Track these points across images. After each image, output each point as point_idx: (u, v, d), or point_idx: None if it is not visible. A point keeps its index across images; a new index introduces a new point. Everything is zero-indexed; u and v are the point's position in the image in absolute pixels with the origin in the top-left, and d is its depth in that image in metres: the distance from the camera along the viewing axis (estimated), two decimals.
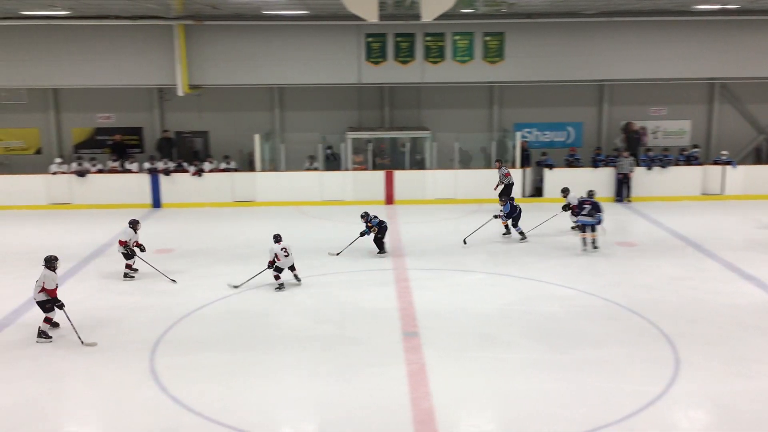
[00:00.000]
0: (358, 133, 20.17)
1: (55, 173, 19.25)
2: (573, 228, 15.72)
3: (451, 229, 16.25)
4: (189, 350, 9.43)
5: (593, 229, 14.14)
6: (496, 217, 15.31)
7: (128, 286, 12.24)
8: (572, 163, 20.14)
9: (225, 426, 7.36)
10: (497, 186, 17.81)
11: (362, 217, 14.07)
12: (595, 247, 14.21)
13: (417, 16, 15.27)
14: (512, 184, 17.94)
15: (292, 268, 12.12)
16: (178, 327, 10.28)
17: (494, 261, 13.66)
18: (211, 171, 19.47)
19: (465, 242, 14.89)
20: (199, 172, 19.20)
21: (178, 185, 19.19)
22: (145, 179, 19.14)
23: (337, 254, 14.09)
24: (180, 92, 19.14)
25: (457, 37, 19.45)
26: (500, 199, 16.10)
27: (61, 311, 9.82)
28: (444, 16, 14.02)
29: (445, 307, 11.03)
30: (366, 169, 19.74)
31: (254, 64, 19.28)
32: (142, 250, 12.77)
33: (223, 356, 9.23)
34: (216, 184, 19.29)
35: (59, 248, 14.19)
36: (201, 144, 21.46)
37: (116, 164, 19.75)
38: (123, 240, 12.68)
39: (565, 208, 15.56)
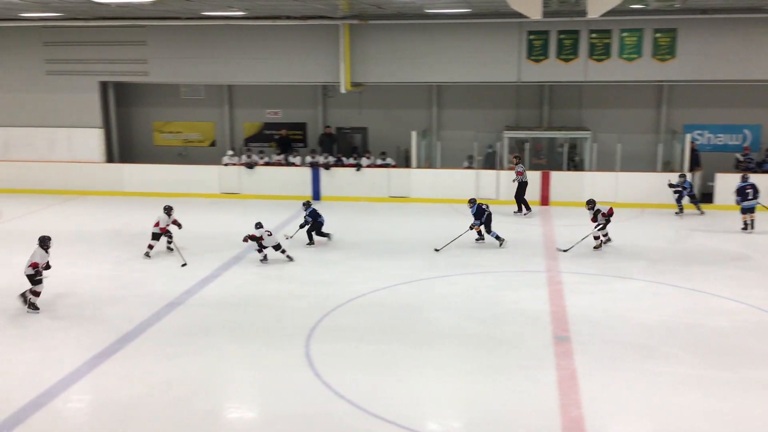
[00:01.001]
0: (515, 132, 19.91)
1: (226, 165, 20.58)
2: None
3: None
4: (342, 339, 9.76)
5: (753, 211, 15.59)
6: (471, 227, 14.38)
7: (287, 275, 12.85)
8: (743, 164, 18.61)
9: (373, 415, 7.56)
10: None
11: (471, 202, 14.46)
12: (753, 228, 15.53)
13: (582, 13, 14.80)
14: (526, 182, 17.55)
15: (277, 247, 13.42)
16: (333, 316, 10.67)
17: (656, 269, 13.00)
18: (368, 166, 19.99)
19: (437, 250, 14.08)
20: (357, 167, 19.80)
21: (337, 179, 19.87)
22: (306, 172, 19.99)
23: (437, 250, 14.08)
24: (342, 89, 19.79)
25: (625, 34, 18.65)
26: (515, 201, 16.01)
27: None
28: (611, 13, 13.51)
29: (601, 313, 10.66)
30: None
31: (415, 62, 19.55)
32: (179, 227, 14.19)
33: (374, 347, 9.47)
34: (373, 179, 19.79)
35: (228, 234, 15.22)
36: (360, 140, 22.10)
37: (281, 158, 20.78)
38: (161, 226, 13.77)
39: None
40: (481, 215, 14.34)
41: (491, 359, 9.04)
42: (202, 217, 17.65)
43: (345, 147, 21.77)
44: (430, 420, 7.70)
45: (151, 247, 13.86)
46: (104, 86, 21.19)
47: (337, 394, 8.05)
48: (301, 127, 22.33)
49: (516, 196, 17.70)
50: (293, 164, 20.52)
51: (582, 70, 18.91)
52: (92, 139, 21.00)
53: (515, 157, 18.05)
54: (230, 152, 20.99)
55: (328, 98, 21.89)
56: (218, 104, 22.47)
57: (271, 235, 13.44)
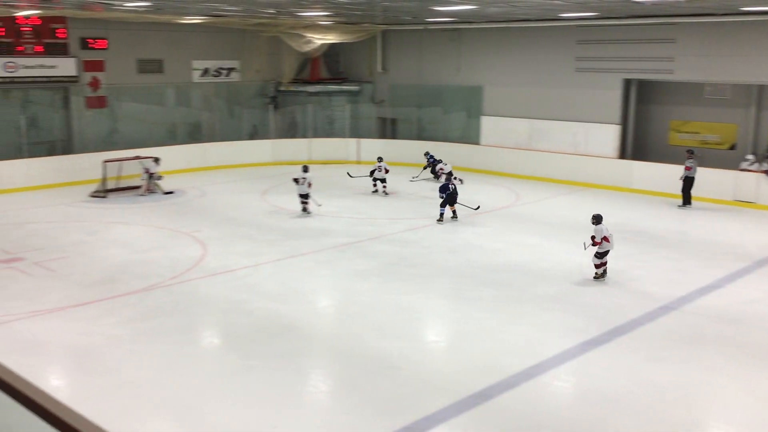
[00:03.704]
0: None
1: (743, 170, 19.03)
2: None
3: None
4: None
5: None
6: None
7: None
8: None
9: None
10: None
11: None
12: None
13: None
14: (692, 178, 17.42)
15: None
16: None
17: None
18: None
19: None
20: None
21: None
22: None
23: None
24: None
25: None
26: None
27: None
28: None
29: None
30: None
31: None
32: None
33: None
34: None
35: (738, 245, 14.17)
36: None
37: None
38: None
39: None
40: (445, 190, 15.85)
41: None
42: (713, 224, 16.76)
43: None
44: None
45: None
46: (627, 84, 21.56)
47: None
48: None
49: (682, 190, 18.01)
50: None
51: None
52: (608, 135, 21.61)
53: (688, 151, 18.14)
54: (750, 157, 19.32)
55: None
56: (744, 105, 20.83)
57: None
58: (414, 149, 24.72)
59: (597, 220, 12.03)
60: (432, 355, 9.49)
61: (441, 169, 20.81)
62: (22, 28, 20.48)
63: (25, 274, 12.43)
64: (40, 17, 20.54)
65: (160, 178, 19.77)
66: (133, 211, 17.57)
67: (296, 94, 26.33)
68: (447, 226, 16.03)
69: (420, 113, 25.89)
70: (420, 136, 25.69)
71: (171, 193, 19.55)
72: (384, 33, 26.02)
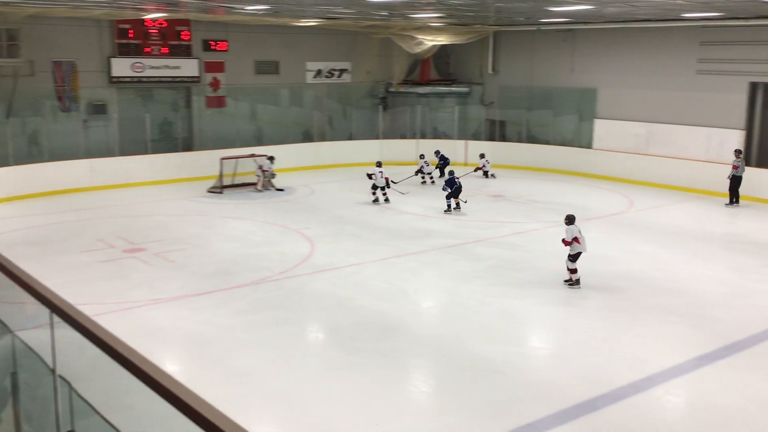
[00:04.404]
0: None
1: None
2: None
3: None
4: None
5: None
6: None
7: None
8: None
9: None
10: None
11: None
12: None
13: None
14: (739, 177, 18.18)
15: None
16: None
17: None
18: None
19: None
20: None
21: None
22: None
23: None
24: None
25: None
26: None
27: None
28: None
29: None
30: None
31: None
32: None
33: None
34: None
35: None
36: None
37: None
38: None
39: None
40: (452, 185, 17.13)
41: None
42: None
43: None
44: None
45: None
46: (753, 87, 20.38)
47: None
48: None
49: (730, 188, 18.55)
50: None
51: None
52: (731, 140, 20.49)
53: (736, 151, 18.70)
54: None
55: None
56: None
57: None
58: (523, 152, 24.40)
59: (569, 220, 11.66)
60: (536, 362, 9.34)
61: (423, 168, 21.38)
62: (149, 30, 21.68)
63: (147, 264, 13.15)
64: (167, 20, 21.68)
65: (273, 176, 20.45)
66: (247, 207, 18.24)
67: (406, 96, 26.53)
68: (557, 234, 15.72)
69: (529, 115, 25.48)
70: (529, 139, 25.30)
71: (282, 190, 20.17)
72: (495, 34, 25.79)
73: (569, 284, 11.80)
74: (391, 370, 8.75)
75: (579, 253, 11.60)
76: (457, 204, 17.54)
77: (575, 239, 11.49)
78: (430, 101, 26.46)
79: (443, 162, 21.95)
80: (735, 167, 18.51)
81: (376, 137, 26.09)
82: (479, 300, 11.33)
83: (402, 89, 26.59)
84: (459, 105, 26.32)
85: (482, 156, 22.55)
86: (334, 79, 26.11)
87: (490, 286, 12.03)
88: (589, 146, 23.76)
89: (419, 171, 21.31)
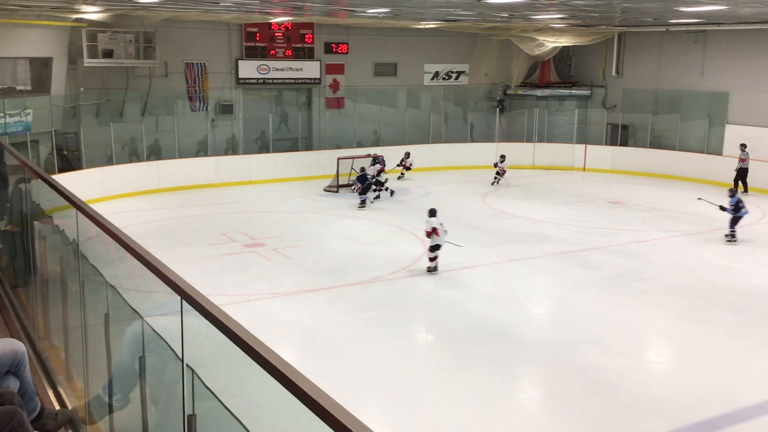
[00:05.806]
0: None
1: None
2: None
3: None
4: None
5: None
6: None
7: None
8: None
9: None
10: None
11: None
12: None
13: None
14: (745, 169, 19.17)
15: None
16: None
17: None
18: None
19: None
20: None
21: None
22: None
23: None
24: None
25: None
26: None
27: None
28: None
29: None
30: None
31: None
32: None
33: None
34: None
35: None
36: None
37: None
38: None
39: None
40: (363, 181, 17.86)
41: None
42: None
43: None
44: None
45: None
46: None
47: None
48: None
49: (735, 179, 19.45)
50: None
51: None
52: None
53: (742, 145, 19.54)
54: None
55: None
56: None
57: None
58: (647, 157, 23.46)
59: (431, 213, 12.62)
60: (654, 376, 8.96)
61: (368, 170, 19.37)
62: (275, 34, 22.47)
63: (266, 258, 13.65)
64: (292, 23, 22.39)
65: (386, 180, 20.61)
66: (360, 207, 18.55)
67: (524, 98, 26.12)
68: (681, 244, 15.03)
69: (655, 120, 24.45)
70: (653, 144, 24.27)
71: (393, 192, 20.27)
72: (620, 35, 24.93)
73: (429, 271, 12.57)
74: (499, 375, 8.66)
75: (438, 245, 12.43)
76: (377, 197, 18.80)
77: (434, 230, 12.28)
78: (549, 104, 25.91)
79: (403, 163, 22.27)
80: (741, 159, 19.75)
81: (492, 140, 25.84)
82: (594, 309, 11.00)
83: (520, 92, 26.20)
84: (579, 108, 25.64)
85: (503, 158, 21.43)
86: (451, 82, 26.09)
87: (606, 295, 11.65)
88: (719, 153, 22.52)
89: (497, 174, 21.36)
